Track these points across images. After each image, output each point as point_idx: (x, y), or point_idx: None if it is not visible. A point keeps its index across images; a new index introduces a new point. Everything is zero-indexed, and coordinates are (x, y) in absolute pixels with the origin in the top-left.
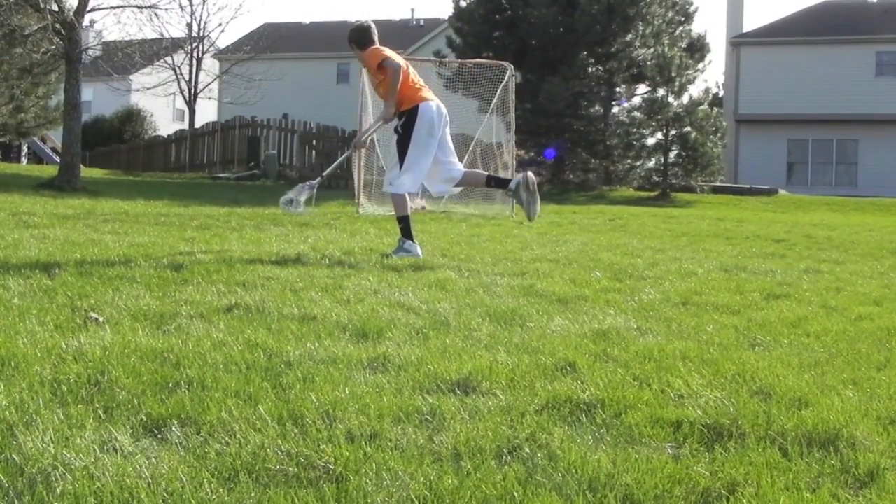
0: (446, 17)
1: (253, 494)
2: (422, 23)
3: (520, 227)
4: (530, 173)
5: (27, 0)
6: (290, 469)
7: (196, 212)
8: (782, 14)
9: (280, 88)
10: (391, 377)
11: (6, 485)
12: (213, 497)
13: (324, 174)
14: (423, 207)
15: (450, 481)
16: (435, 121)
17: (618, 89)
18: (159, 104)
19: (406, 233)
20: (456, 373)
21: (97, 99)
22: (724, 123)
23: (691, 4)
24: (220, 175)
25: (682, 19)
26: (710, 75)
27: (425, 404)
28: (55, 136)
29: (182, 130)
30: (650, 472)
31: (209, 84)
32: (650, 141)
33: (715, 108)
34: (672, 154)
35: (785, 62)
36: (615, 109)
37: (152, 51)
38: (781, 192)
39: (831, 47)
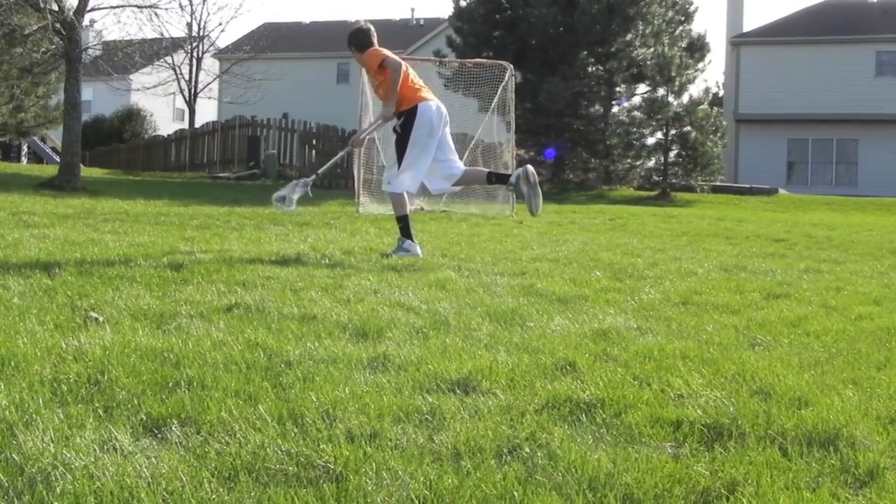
0: (446, 17)
1: (253, 494)
2: (422, 22)
3: (520, 227)
4: (530, 167)
5: (27, 0)
6: (290, 468)
7: (196, 211)
8: (782, 14)
9: (280, 88)
10: (391, 377)
11: (6, 484)
12: (213, 497)
13: (318, 172)
14: (422, 208)
15: (450, 481)
16: (434, 121)
17: (618, 89)
18: (159, 104)
19: (405, 232)
20: (456, 372)
21: (97, 98)
22: (724, 123)
23: (691, 4)
24: (220, 175)
25: (682, 19)
26: (710, 75)
27: (425, 404)
28: (55, 136)
29: (182, 130)
30: (650, 471)
31: (209, 84)
32: (650, 140)
33: (715, 108)
34: (672, 154)
35: (785, 62)
36: (615, 109)
37: (152, 50)
38: (781, 191)
39: (831, 47)
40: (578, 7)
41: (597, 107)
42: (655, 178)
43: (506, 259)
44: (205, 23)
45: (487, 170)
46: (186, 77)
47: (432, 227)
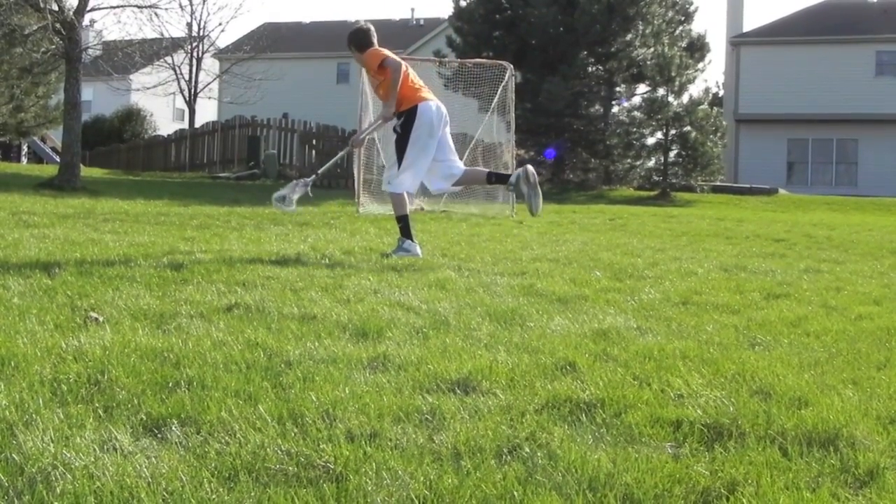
0: (446, 17)
1: (253, 494)
2: (422, 22)
3: (520, 227)
4: (530, 167)
5: (27, 0)
6: (290, 468)
7: (196, 211)
8: (782, 14)
9: (280, 88)
10: (391, 377)
11: (6, 484)
12: (213, 496)
13: (318, 172)
14: (422, 208)
15: (450, 481)
16: (434, 121)
17: (618, 89)
18: (159, 104)
19: (405, 232)
20: (456, 372)
21: (97, 98)
22: (724, 123)
23: (691, 4)
24: (220, 175)
25: (682, 19)
26: (710, 75)
27: (425, 404)
28: (55, 136)
29: (182, 130)
30: (650, 471)
31: (209, 84)
32: (650, 140)
33: (715, 108)
34: (672, 154)
35: (785, 62)
36: (615, 109)
37: (152, 50)
38: (781, 191)
39: (831, 47)
40: (578, 7)
41: (597, 107)
42: (655, 178)
43: (506, 259)
44: (205, 23)
45: (487, 170)
46: (186, 77)
47: (432, 227)
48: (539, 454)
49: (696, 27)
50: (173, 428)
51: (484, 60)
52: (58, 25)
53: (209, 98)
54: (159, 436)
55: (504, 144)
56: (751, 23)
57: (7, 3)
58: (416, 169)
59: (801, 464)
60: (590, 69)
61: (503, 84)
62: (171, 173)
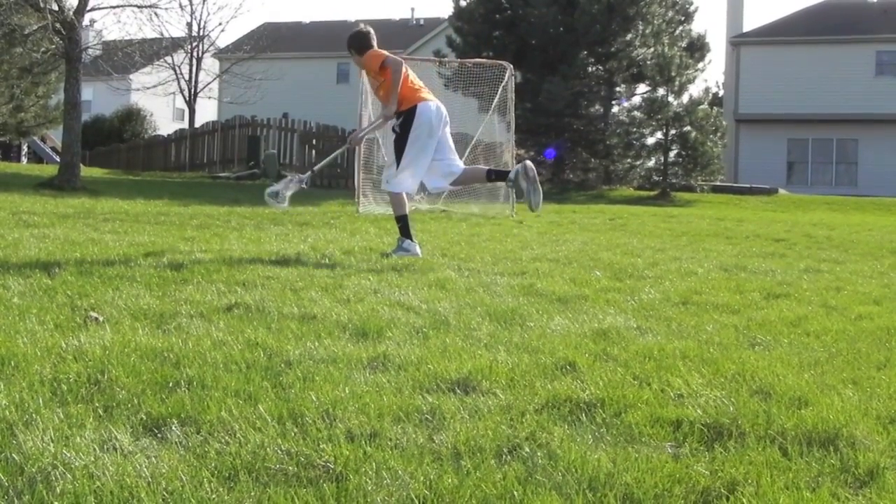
0: (446, 17)
1: (253, 494)
2: (422, 22)
3: (520, 227)
4: (529, 162)
5: (27, 0)
6: (290, 468)
7: (196, 211)
8: (782, 14)
9: (280, 88)
10: (391, 376)
11: (6, 484)
12: (213, 496)
13: (314, 169)
14: (421, 206)
15: (450, 480)
16: (434, 121)
17: (618, 89)
18: (159, 104)
19: (405, 232)
20: (456, 372)
21: (97, 98)
22: (724, 123)
23: (691, 4)
24: (220, 174)
25: (682, 19)
26: (710, 75)
27: (425, 403)
28: (55, 136)
29: (182, 130)
30: (650, 471)
31: (209, 83)
32: (650, 140)
33: (715, 108)
34: (672, 154)
35: (785, 62)
36: (615, 109)
37: (152, 50)
38: (781, 191)
39: (831, 47)
40: (578, 7)
41: (597, 107)
42: (655, 178)
43: (506, 259)
44: (205, 23)
45: (487, 167)
46: (186, 77)
47: (432, 227)
48: (539, 454)
49: (696, 27)
50: (173, 428)
51: (484, 60)
52: (58, 25)
53: (209, 98)
54: (159, 436)
55: (504, 144)
56: (751, 23)
57: (7, 3)
58: (415, 169)
59: (801, 464)
60: (590, 69)
61: (503, 84)
62: (171, 173)
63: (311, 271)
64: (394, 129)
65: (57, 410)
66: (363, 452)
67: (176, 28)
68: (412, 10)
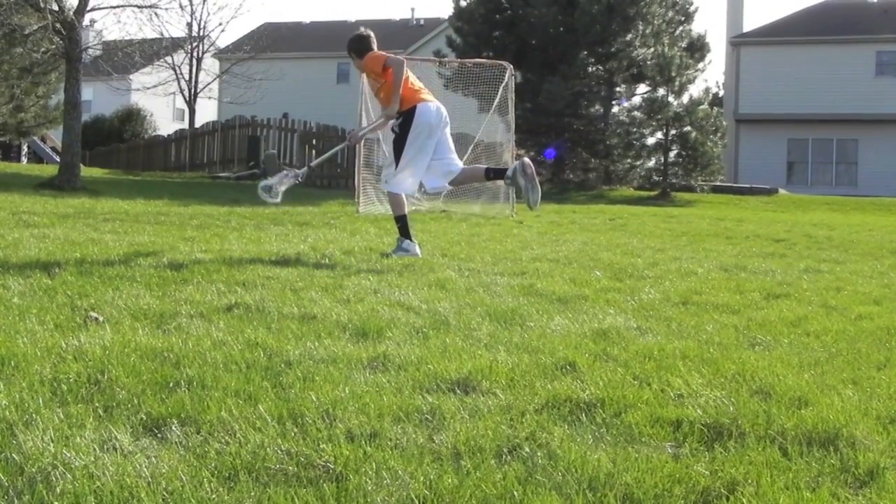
0: (446, 17)
1: (253, 494)
2: (422, 22)
3: (520, 227)
4: (526, 159)
5: (27, 0)
6: (290, 468)
7: (196, 211)
8: (782, 14)
9: (280, 88)
10: (391, 376)
11: (6, 484)
12: (213, 496)
13: (311, 164)
14: (419, 206)
15: (450, 480)
16: (433, 122)
17: (618, 89)
18: (159, 104)
19: (404, 232)
20: (456, 372)
21: (97, 98)
22: (724, 123)
23: (691, 4)
24: (220, 174)
25: (682, 19)
26: (710, 75)
27: (425, 403)
28: (55, 136)
29: (182, 130)
30: (650, 471)
31: (209, 84)
32: (650, 141)
33: (715, 108)
34: (672, 154)
35: (785, 62)
36: (615, 109)
37: (152, 50)
38: (781, 191)
39: (831, 47)
40: (578, 7)
41: (597, 107)
42: (655, 178)
43: (506, 259)
44: (205, 23)
45: (485, 166)
46: (186, 77)
47: (432, 227)
48: (539, 454)
49: (696, 27)
50: (173, 428)
51: (484, 60)
52: (58, 25)
53: (209, 98)
54: (159, 436)
55: (504, 144)
56: (751, 23)
57: (7, 3)
58: (414, 169)
59: (801, 464)
60: (590, 69)
61: (503, 84)
62: (171, 173)
63: (311, 271)
64: (393, 130)
65: (57, 410)
66: (363, 452)
67: (176, 28)
68: (412, 10)
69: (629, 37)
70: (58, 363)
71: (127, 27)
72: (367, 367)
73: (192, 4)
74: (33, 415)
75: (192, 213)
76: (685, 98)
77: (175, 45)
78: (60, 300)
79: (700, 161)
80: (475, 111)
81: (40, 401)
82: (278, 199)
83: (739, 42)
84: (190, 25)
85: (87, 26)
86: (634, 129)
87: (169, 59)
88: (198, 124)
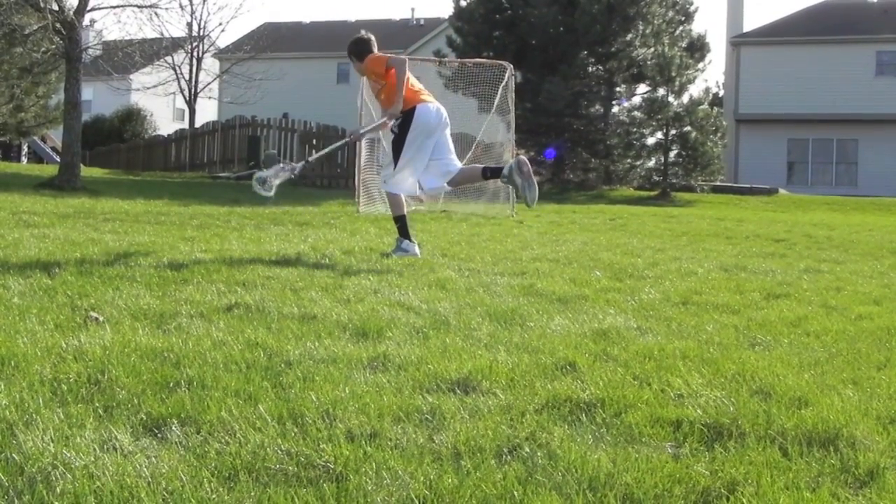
0: (446, 17)
1: (253, 494)
2: (422, 22)
3: (520, 227)
4: (522, 157)
5: (27, 0)
6: (290, 468)
7: (196, 211)
8: (782, 14)
9: (280, 88)
10: (391, 376)
11: (6, 484)
12: (213, 496)
13: (308, 159)
14: (419, 206)
15: (450, 480)
16: (432, 122)
17: (618, 89)
18: (159, 104)
19: (403, 232)
20: (456, 372)
21: (97, 98)
22: (724, 123)
23: (691, 4)
24: (220, 174)
25: (682, 19)
26: (710, 75)
27: (425, 404)
28: (55, 136)
29: (182, 130)
30: (650, 471)
31: (209, 84)
32: (650, 141)
33: (715, 108)
34: (672, 154)
35: (785, 62)
36: (615, 109)
37: (152, 50)
38: (781, 191)
39: (831, 47)
40: (578, 7)
41: (597, 107)
42: (655, 178)
43: (506, 259)
44: (205, 23)
45: (482, 166)
46: (186, 77)
47: (432, 227)
48: (539, 454)
49: (696, 27)
50: (173, 428)
51: (484, 60)
52: (58, 25)
53: (209, 98)
54: (159, 436)
55: (504, 144)
56: (751, 23)
57: (7, 3)
58: (413, 170)
59: (801, 464)
60: (590, 69)
61: (503, 84)
62: (171, 173)
63: (311, 271)
64: (392, 130)
65: (57, 410)
66: (363, 452)
67: (176, 28)
68: (412, 10)
69: (629, 37)
70: (58, 363)
71: (127, 27)
72: (367, 367)
73: (192, 4)
74: (33, 415)
75: (192, 213)
76: (685, 98)
77: (175, 45)
78: (60, 300)
79: (700, 161)
80: (475, 111)
81: (40, 401)
82: (272, 193)
83: (739, 42)
84: (190, 25)
85: (87, 26)
86: (634, 129)
87: (169, 59)
88: (198, 124)
